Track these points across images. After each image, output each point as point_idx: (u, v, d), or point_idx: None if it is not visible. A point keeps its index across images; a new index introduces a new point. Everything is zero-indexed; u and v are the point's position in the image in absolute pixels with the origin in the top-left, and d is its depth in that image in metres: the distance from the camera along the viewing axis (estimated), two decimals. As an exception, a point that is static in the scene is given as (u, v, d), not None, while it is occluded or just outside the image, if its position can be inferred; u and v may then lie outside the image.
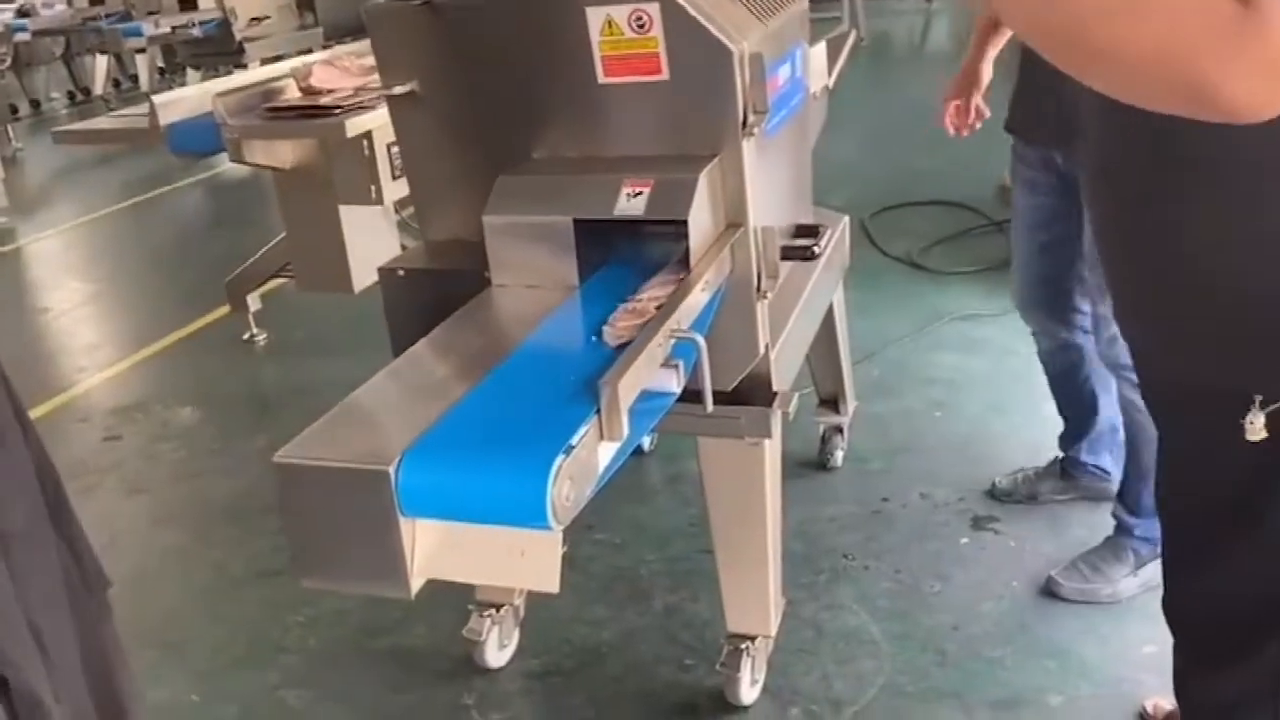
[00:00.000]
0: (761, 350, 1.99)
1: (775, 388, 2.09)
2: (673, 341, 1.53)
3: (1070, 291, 2.53)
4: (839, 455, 3.09)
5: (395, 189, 3.55)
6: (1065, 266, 2.49)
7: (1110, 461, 2.73)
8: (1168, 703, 2.07)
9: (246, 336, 4.38)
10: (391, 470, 1.25)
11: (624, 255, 1.87)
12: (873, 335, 3.79)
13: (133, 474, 3.48)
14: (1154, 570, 2.46)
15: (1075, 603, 2.47)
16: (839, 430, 3.11)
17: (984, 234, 4.82)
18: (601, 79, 1.83)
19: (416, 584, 1.32)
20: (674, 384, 1.55)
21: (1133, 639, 2.32)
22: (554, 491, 1.22)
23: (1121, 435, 2.55)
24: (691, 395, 1.60)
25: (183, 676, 2.49)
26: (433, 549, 1.32)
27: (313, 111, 3.26)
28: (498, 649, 2.40)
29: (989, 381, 3.56)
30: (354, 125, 3.15)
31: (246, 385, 4.10)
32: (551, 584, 1.29)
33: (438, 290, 1.95)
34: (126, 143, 4.84)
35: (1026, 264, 2.60)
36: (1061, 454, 2.83)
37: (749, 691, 2.24)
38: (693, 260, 1.71)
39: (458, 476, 1.26)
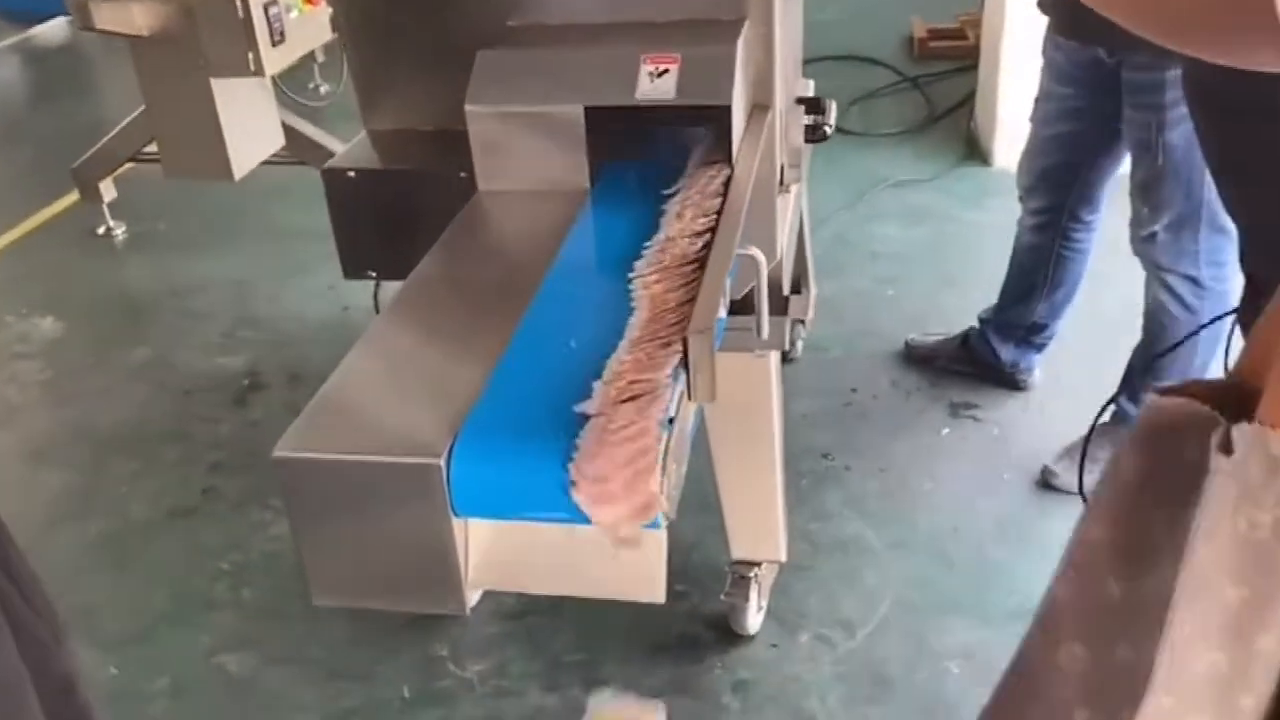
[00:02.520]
0: (780, 253, 1.73)
1: (785, 292, 1.84)
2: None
3: (1079, 186, 2.37)
4: (799, 346, 2.89)
5: (277, 57, 3.08)
6: (1080, 160, 2.34)
7: (1011, 352, 2.67)
8: None
9: (102, 230, 3.83)
10: (442, 463, 0.96)
11: (634, 146, 1.55)
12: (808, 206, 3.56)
13: (-9, 401, 3.01)
14: (1150, 456, 2.37)
15: (1072, 493, 2.35)
16: (799, 321, 2.89)
17: (900, 91, 4.60)
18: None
19: (473, 598, 1.04)
20: (723, 309, 1.28)
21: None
22: (662, 478, 0.95)
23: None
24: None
25: (95, 645, 2.14)
26: (489, 554, 1.03)
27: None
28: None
29: (935, 253, 3.39)
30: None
31: (111, 288, 3.59)
32: (656, 592, 1.03)
33: (396, 195, 1.61)
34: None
35: (1042, 151, 2.40)
36: (977, 324, 2.74)
37: (755, 619, 2.06)
38: (735, 155, 1.41)
39: (528, 467, 0.97)
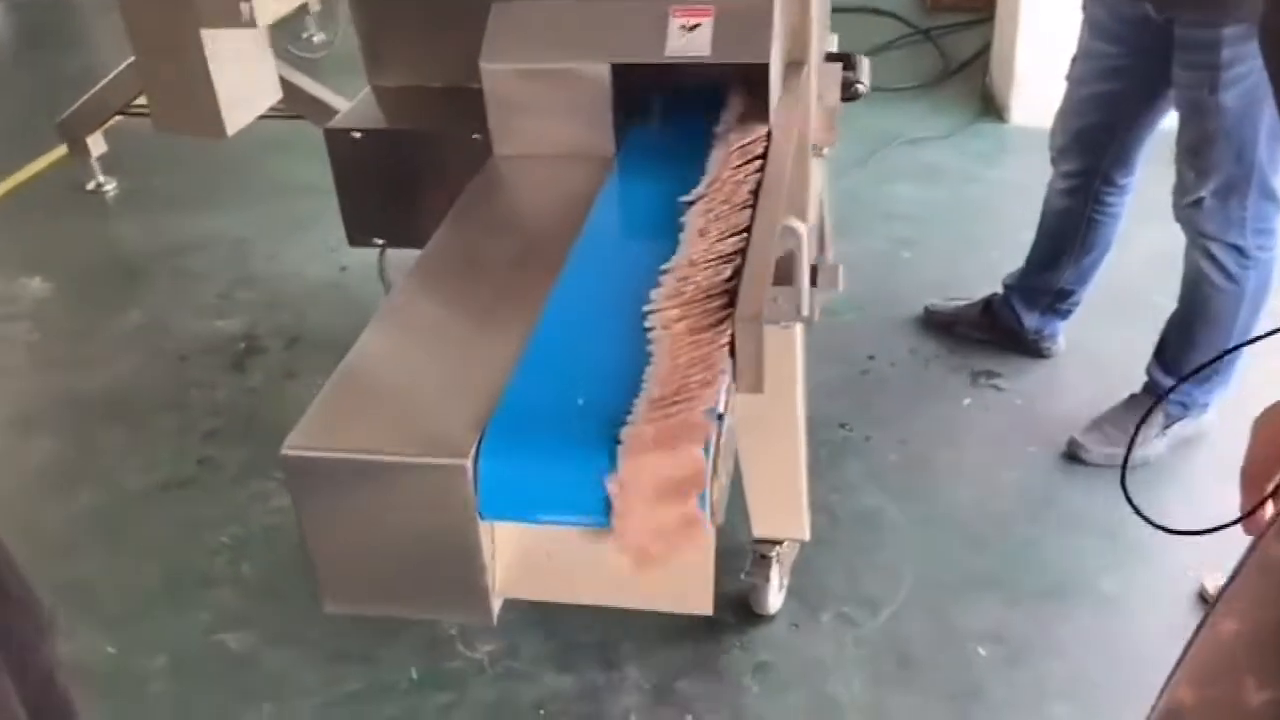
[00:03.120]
0: (816, 216, 1.63)
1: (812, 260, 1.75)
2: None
3: (1115, 148, 2.27)
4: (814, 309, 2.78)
5: (272, 7, 2.93)
6: (1118, 121, 2.23)
7: (1035, 319, 2.59)
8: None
9: (92, 186, 3.70)
10: (468, 464, 0.87)
11: (659, 105, 1.45)
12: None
13: (-23, 365, 2.91)
14: (1182, 431, 2.30)
15: (1101, 467, 2.28)
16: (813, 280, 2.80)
17: (911, 44, 4.47)
18: None
19: (498, 605, 0.96)
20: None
21: (1171, 504, 2.15)
22: (710, 482, 0.87)
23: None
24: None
25: (91, 624, 2.07)
26: (518, 559, 0.95)
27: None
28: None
29: (954, 214, 3.29)
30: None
31: (102, 247, 3.47)
32: (704, 603, 0.95)
33: (404, 158, 1.51)
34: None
35: (1078, 111, 2.29)
36: (999, 291, 2.64)
37: (776, 599, 1.99)
38: (773, 116, 1.31)
39: (564, 468, 0.88)
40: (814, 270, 1.74)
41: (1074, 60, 2.27)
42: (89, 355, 2.88)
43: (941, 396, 2.53)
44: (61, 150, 3.75)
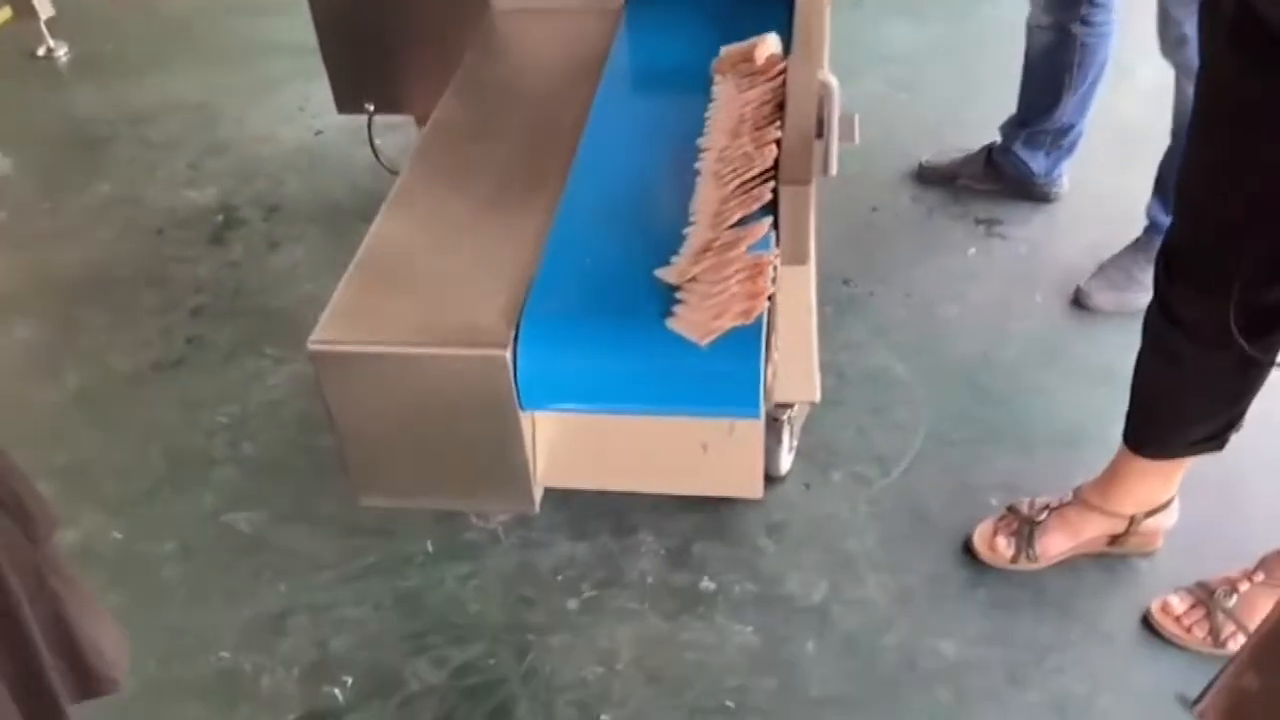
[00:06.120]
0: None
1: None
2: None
3: None
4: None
5: None
6: None
7: (1042, 162, 2.52)
8: None
9: (42, 52, 3.50)
10: (508, 355, 0.81)
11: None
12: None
13: (-57, 246, 2.80)
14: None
15: (1109, 314, 2.26)
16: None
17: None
18: None
19: (540, 494, 0.92)
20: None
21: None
22: (765, 363, 0.82)
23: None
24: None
25: (93, 509, 2.04)
26: (561, 446, 0.91)
27: None
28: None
29: (951, 54, 3.17)
30: None
31: (60, 118, 3.30)
32: (754, 487, 0.92)
33: (395, 14, 1.39)
34: None
35: None
36: (999, 140, 2.57)
37: (787, 459, 1.97)
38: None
39: (607, 352, 0.83)
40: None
41: None
42: (60, 232, 2.77)
43: (945, 247, 2.48)
44: (6, 13, 3.53)
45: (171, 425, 2.21)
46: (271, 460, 2.12)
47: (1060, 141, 2.49)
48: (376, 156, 1.75)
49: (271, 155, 2.98)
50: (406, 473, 0.91)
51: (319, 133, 3.01)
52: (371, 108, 1.51)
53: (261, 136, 3.06)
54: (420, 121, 1.52)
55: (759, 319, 0.82)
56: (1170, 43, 2.04)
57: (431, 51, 1.28)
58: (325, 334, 0.85)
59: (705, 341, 0.79)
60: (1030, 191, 2.54)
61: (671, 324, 0.81)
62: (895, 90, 3.00)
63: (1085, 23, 2.28)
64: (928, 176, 2.67)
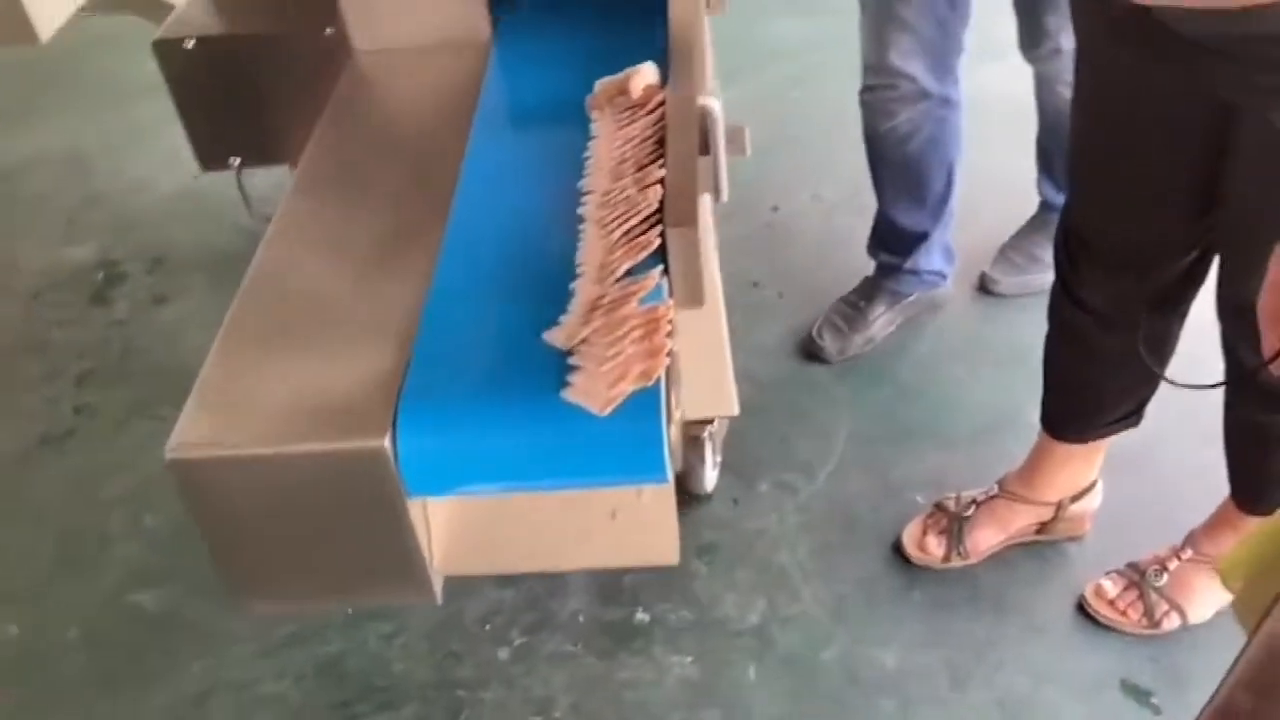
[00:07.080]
0: (712, 80, 1.50)
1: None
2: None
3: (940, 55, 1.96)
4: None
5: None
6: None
7: (914, 267, 2.20)
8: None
9: (-105, 112, 3.32)
10: (387, 444, 0.75)
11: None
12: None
13: None
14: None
15: (1015, 296, 2.26)
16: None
17: None
18: None
19: (440, 583, 0.86)
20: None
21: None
22: (667, 424, 0.77)
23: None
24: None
25: (-15, 604, 1.92)
26: (458, 531, 0.84)
27: None
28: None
29: (841, 47, 3.14)
30: None
31: (-80, 180, 3.13)
32: (669, 553, 0.86)
33: (251, 65, 1.32)
34: None
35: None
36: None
37: (711, 476, 1.93)
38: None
39: (498, 432, 0.77)
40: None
41: None
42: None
43: (848, 245, 2.46)
44: None
45: (65, 504, 2.09)
46: (175, 531, 2.01)
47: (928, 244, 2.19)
48: (248, 207, 1.67)
49: (151, 204, 2.86)
50: (291, 577, 0.84)
51: (197, 176, 2.87)
52: (238, 161, 1.43)
53: (139, 185, 2.93)
54: (294, 168, 1.44)
55: (658, 378, 0.76)
56: (1043, 55, 2.02)
57: (294, 98, 1.20)
58: (181, 440, 0.77)
59: (606, 411, 0.74)
60: None
61: (567, 395, 0.76)
62: (788, 87, 2.98)
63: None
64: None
